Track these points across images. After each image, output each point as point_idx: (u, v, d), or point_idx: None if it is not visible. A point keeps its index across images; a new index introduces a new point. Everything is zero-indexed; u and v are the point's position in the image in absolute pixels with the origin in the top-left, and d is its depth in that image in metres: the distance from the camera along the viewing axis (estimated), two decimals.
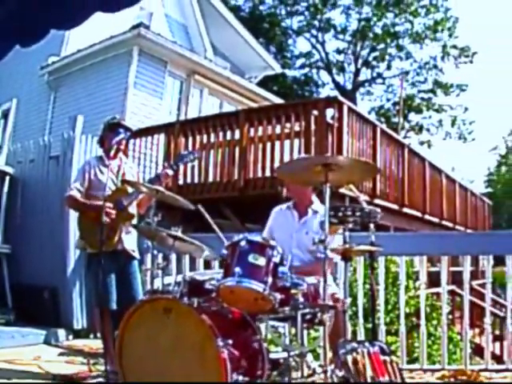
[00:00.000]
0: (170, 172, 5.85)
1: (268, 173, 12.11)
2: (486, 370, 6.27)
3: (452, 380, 5.97)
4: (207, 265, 6.34)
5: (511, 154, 54.95)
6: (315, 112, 12.04)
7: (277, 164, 11.70)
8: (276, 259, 4.42)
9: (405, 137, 29.57)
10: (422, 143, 40.12)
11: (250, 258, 4.32)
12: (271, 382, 4.50)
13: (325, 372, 4.21)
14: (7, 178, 9.12)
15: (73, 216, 7.07)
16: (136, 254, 6.03)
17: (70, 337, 8.14)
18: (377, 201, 12.91)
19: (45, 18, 3.86)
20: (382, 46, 40.24)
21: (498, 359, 8.72)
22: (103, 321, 5.76)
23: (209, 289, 4.59)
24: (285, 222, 5.60)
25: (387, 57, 40.83)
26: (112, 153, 5.84)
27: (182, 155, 6.21)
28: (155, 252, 5.68)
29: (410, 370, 6.18)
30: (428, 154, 20.87)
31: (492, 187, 53.32)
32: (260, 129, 12.70)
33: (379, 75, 41.50)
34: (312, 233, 5.28)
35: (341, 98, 12.86)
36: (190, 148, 12.62)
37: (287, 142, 12.12)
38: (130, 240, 5.91)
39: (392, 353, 4.80)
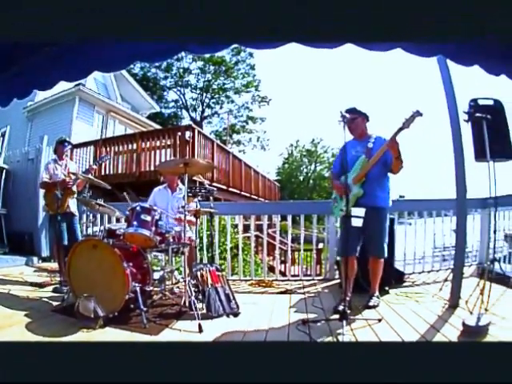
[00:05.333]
0: (95, 166, 6.04)
1: (152, 168, 12.75)
2: (276, 280, 6.46)
3: (257, 286, 6.09)
4: (118, 220, 6.35)
5: (291, 157, 56.62)
6: (179, 133, 12.83)
7: (157, 163, 12.34)
8: (157, 217, 4.54)
9: (230, 147, 30.03)
10: (240, 151, 40.97)
11: (142, 216, 4.42)
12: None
13: (185, 281, 4.35)
14: (4, 171, 9.40)
15: (40, 193, 7.53)
16: (77, 214, 6.11)
17: (40, 261, 8.25)
18: (214, 184, 13.10)
19: (32, 82, 3.93)
20: (217, 95, 41.30)
21: (283, 274, 9.03)
22: (59, 251, 5.80)
23: (119, 234, 4.65)
24: (163, 196, 5.66)
25: (220, 102, 41.94)
26: (63, 156, 6.10)
27: (100, 157, 6.45)
28: (88, 213, 5.78)
29: (233, 280, 6.29)
30: (243, 157, 21.39)
31: (280, 176, 54.55)
32: (148, 143, 13.38)
33: (216, 112, 42.23)
34: (179, 201, 5.40)
35: (194, 126, 13.57)
36: (104, 153, 13.09)
37: (163, 151, 12.95)
38: (73, 205, 5.99)
39: (222, 270, 4.99)
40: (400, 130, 4.13)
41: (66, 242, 5.79)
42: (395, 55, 3.29)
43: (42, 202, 7.44)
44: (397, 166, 4.42)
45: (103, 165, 13.45)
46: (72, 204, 6.02)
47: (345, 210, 4.39)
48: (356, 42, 3.11)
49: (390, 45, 3.25)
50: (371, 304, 4.55)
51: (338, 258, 6.20)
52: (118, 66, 4.03)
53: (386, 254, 4.61)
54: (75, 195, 6.05)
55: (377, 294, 4.75)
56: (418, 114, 4.03)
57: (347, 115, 3.95)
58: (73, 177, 5.83)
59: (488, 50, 3.37)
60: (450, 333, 3.56)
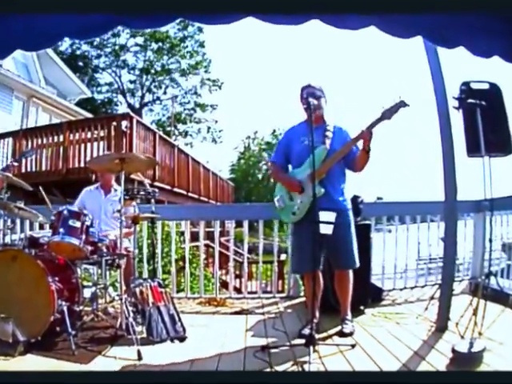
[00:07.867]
0: (16, 163, 5.87)
1: (82, 164, 12.72)
2: (230, 297, 6.44)
3: (207, 305, 6.06)
4: (41, 226, 6.24)
5: (247, 151, 56.85)
6: (114, 123, 12.90)
7: (88, 158, 12.15)
8: (88, 223, 4.48)
9: (175, 140, 29.96)
10: (186, 144, 40.80)
11: (70, 222, 4.36)
12: None
13: (121, 299, 4.29)
14: None
15: None
16: None
17: None
18: (156, 183, 13.26)
19: None
20: (160, 78, 41.11)
21: (238, 291, 9.03)
22: None
23: (42, 243, 4.59)
24: (95, 198, 5.62)
25: (163, 86, 41.71)
26: None
27: (24, 152, 6.21)
28: (6, 218, 5.64)
29: (179, 298, 6.23)
30: (191, 152, 21.53)
31: (234, 174, 54.66)
32: (77, 134, 13.35)
33: (158, 98, 41.99)
34: (114, 204, 5.32)
35: (131, 114, 13.79)
36: (29, 147, 13.16)
37: (95, 144, 12.93)
38: None
39: (166, 286, 5.02)
40: (379, 120, 4.09)
41: None
42: (370, 33, 3.31)
43: None
44: (363, 162, 4.36)
45: (24, 161, 13.00)
46: None
47: (299, 213, 4.45)
48: (322, 15, 3.14)
49: (362, 22, 3.27)
50: (347, 331, 4.38)
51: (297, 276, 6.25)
52: (43, 43, 3.93)
53: (358, 264, 4.53)
54: None
55: (349, 316, 4.62)
56: (402, 104, 4.00)
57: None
58: None
59: (473, 27, 3.39)
60: (438, 361, 3.54)
